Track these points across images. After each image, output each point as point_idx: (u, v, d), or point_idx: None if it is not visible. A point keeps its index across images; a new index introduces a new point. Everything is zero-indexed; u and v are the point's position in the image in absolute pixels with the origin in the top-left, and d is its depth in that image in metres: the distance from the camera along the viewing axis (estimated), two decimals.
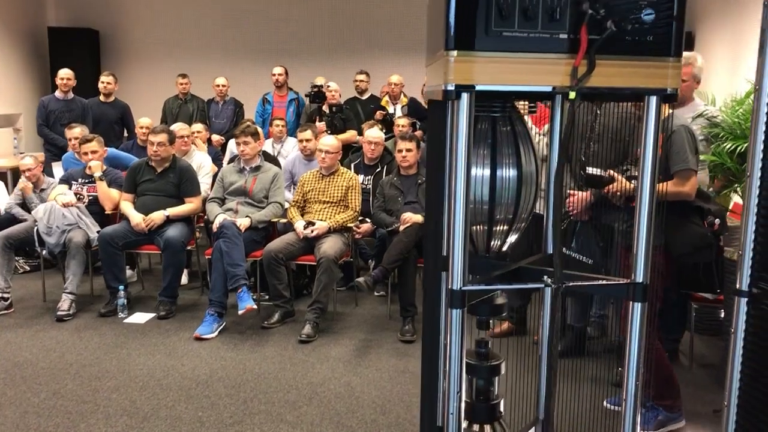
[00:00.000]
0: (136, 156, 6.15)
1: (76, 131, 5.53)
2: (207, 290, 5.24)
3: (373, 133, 5.35)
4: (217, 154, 6.74)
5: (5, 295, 4.71)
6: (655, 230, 3.17)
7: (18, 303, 4.88)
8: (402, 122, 6.37)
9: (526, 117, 1.76)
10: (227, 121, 7.59)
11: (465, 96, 1.31)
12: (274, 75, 7.44)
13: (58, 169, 6.38)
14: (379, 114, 6.66)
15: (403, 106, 7.13)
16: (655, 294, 3.22)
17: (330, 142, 4.92)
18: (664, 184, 3.10)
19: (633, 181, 3.19)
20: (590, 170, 2.89)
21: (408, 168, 4.81)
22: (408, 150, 4.74)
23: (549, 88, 1.34)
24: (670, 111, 3.19)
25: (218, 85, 7.58)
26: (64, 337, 4.33)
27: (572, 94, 1.30)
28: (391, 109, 7.19)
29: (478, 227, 1.67)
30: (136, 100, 8.10)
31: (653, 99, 1.37)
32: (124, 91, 8.29)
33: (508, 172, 1.60)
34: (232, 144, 6.89)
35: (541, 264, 1.62)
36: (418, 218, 4.54)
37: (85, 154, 5.09)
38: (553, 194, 1.43)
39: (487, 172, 1.59)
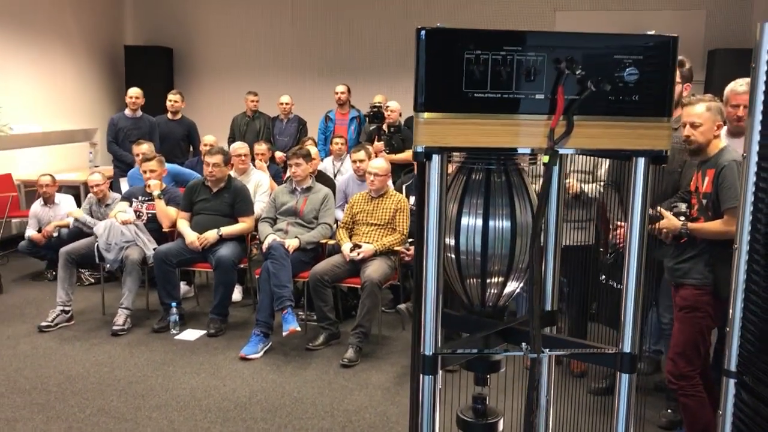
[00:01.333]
0: (200, 173, 6.33)
1: (144, 147, 5.73)
2: None
3: None
4: (278, 172, 6.85)
5: (66, 308, 4.92)
6: (704, 269, 3.01)
7: (79, 315, 5.09)
8: None
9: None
10: (290, 138, 7.71)
11: (436, 158, 1.28)
12: (337, 93, 7.53)
13: (125, 185, 6.64)
14: None
15: None
16: (702, 335, 3.06)
17: (379, 164, 4.92)
18: (714, 222, 2.94)
19: (681, 218, 3.04)
20: None
21: None
22: None
23: (527, 150, 1.29)
24: (725, 144, 3.03)
25: (282, 103, 7.72)
26: (116, 351, 4.48)
27: (545, 158, 1.24)
28: None
29: (471, 280, 1.62)
30: (206, 116, 8.37)
31: (641, 161, 1.29)
32: (195, 108, 8.58)
33: (501, 224, 1.54)
34: None
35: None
36: None
37: (145, 172, 5.28)
38: (533, 256, 1.37)
39: (479, 222, 1.55)
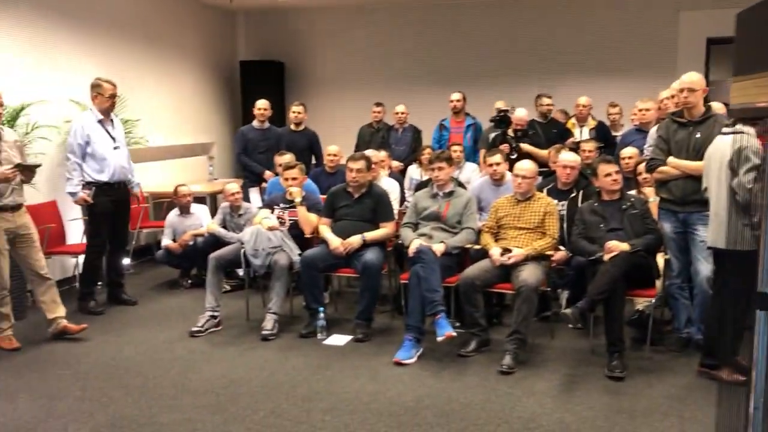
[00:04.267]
0: (324, 183, 6.36)
1: (285, 157, 5.81)
2: (398, 315, 5.28)
3: (569, 157, 5.16)
4: (399, 180, 6.81)
5: (215, 313, 4.98)
6: None
7: (224, 321, 5.14)
8: (588, 147, 6.11)
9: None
10: (406, 147, 7.68)
11: None
12: (452, 101, 7.45)
13: (255, 196, 6.74)
14: (570, 142, 6.47)
15: (590, 130, 6.87)
16: None
17: (527, 166, 4.80)
18: None
19: None
20: None
21: (613, 192, 4.57)
22: (617, 172, 4.53)
23: None
24: None
25: (398, 113, 7.70)
26: (270, 356, 4.49)
27: None
28: (577, 132, 6.95)
29: None
30: (318, 127, 8.43)
31: None
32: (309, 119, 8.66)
33: None
34: (411, 170, 6.97)
35: None
36: (625, 247, 4.29)
37: (286, 179, 5.32)
38: None
39: None
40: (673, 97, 4.75)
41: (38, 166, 4.64)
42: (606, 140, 6.79)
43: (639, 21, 8.50)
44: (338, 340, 4.77)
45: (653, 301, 4.41)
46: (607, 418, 3.54)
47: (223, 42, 9.56)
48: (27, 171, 4.53)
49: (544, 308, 5.10)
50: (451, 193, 5.00)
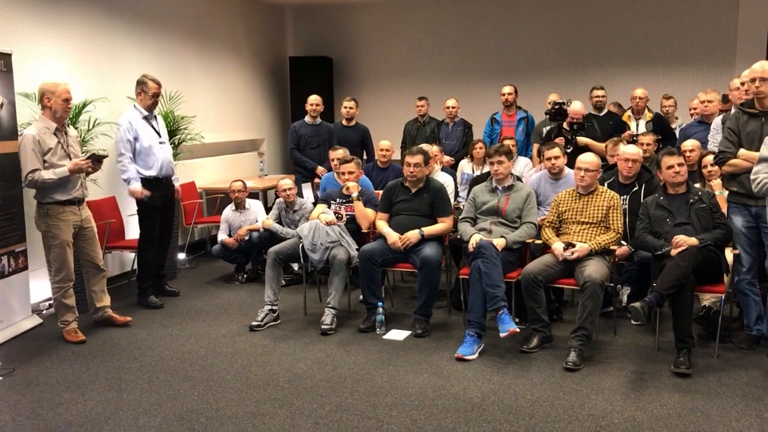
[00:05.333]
0: (376, 177, 6.36)
1: (339, 152, 5.81)
2: (455, 310, 5.24)
3: (631, 150, 5.05)
4: (452, 174, 6.75)
5: (274, 308, 5.00)
6: None
7: (282, 316, 5.15)
8: (646, 140, 5.99)
9: None
10: (456, 142, 7.63)
11: None
12: (504, 94, 7.38)
13: (307, 191, 6.77)
14: (626, 135, 6.33)
15: (647, 122, 6.72)
16: None
17: (590, 159, 4.71)
18: None
19: None
20: None
21: (678, 186, 4.46)
22: (680, 165, 4.42)
23: None
24: None
25: (448, 107, 7.64)
26: (331, 350, 4.49)
27: None
28: (633, 125, 6.81)
29: None
30: (365, 123, 8.47)
31: None
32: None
33: None
34: (463, 165, 6.92)
35: None
36: (693, 241, 4.18)
37: (343, 174, 5.31)
38: None
39: None
40: (743, 84, 4.61)
41: (106, 156, 4.74)
42: (664, 132, 6.65)
43: (696, 10, 8.29)
44: (397, 335, 4.75)
45: (722, 297, 4.29)
46: (681, 416, 3.44)
47: (273, 38, 9.62)
48: (96, 162, 4.64)
49: (606, 304, 5.00)
50: (510, 188, 4.94)
